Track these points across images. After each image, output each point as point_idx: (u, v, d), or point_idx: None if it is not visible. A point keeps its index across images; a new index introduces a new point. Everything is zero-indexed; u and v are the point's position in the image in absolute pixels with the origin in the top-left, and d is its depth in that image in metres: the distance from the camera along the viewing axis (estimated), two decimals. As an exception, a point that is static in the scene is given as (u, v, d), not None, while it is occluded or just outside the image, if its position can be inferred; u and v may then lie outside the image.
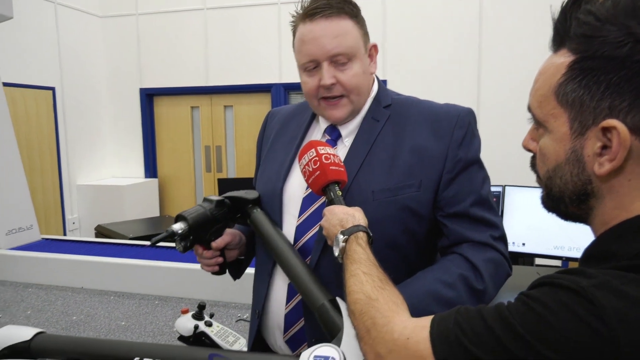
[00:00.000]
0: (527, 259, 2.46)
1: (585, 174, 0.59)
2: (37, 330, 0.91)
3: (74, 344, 0.87)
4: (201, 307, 1.51)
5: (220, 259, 1.08)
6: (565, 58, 0.59)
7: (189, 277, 2.05)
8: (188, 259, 2.18)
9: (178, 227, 0.97)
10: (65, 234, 5.54)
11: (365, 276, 0.74)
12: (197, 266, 2.01)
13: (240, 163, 5.72)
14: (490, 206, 0.99)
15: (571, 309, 0.50)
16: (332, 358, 0.70)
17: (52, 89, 5.47)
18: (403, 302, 0.71)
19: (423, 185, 0.96)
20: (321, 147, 0.94)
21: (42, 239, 2.68)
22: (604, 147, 0.56)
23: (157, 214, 5.93)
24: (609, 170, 0.56)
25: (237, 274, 1.20)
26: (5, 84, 2.68)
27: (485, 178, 1.01)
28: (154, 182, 6.08)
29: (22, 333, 0.90)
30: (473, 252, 0.93)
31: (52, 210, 5.49)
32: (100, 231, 3.29)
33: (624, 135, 0.54)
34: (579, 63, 0.57)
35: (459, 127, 0.98)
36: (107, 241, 2.70)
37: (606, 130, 0.55)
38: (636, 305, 0.49)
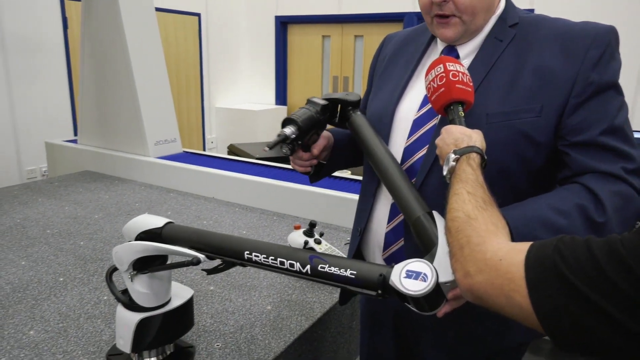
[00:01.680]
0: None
1: None
2: (167, 220, 1.05)
3: (197, 235, 0.98)
4: (312, 225, 1.60)
5: (314, 161, 1.11)
6: None
7: (305, 198, 2.16)
8: (305, 181, 2.29)
9: (289, 131, 0.98)
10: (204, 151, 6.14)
11: (468, 195, 0.70)
12: (313, 188, 2.12)
13: (366, 95, 5.70)
14: (625, 136, 0.85)
15: None
16: (424, 274, 0.69)
17: (198, 15, 5.84)
18: (505, 226, 0.67)
19: (544, 110, 0.87)
20: (450, 64, 0.89)
21: (184, 151, 3.00)
22: None
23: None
24: None
25: (316, 178, 1.22)
26: (157, 9, 2.91)
27: (622, 106, 0.87)
28: (283, 109, 6.35)
29: (156, 221, 1.04)
30: (597, 182, 0.82)
31: (195, 130, 6.07)
32: (232, 150, 3.58)
33: None
34: None
35: (595, 46, 0.85)
36: (237, 159, 2.93)
37: None
38: None
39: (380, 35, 1.21)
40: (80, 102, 3.07)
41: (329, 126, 1.14)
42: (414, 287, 0.69)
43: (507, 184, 0.90)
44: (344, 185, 2.26)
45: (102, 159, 2.92)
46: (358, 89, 5.80)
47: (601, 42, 0.86)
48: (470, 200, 0.69)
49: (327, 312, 1.39)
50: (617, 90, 0.87)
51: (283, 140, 0.99)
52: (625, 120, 0.87)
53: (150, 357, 1.11)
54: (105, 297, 1.42)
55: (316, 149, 1.09)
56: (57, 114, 4.51)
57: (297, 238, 1.57)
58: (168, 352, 1.13)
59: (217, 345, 1.20)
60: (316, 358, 1.38)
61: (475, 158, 0.77)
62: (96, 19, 2.81)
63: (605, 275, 0.47)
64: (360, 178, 1.23)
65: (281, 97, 6.43)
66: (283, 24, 6.21)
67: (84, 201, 2.35)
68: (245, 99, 6.70)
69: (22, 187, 2.56)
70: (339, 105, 1.11)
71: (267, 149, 0.97)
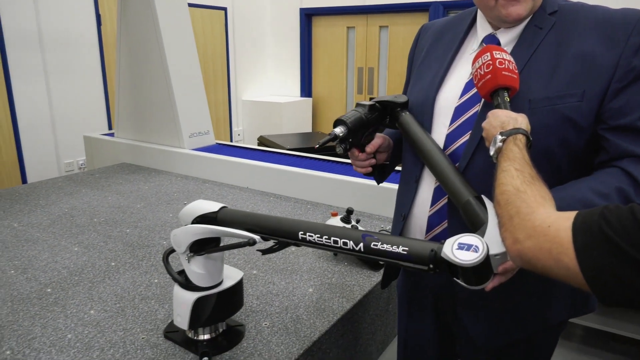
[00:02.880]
0: None
1: None
2: (221, 205, 1.12)
3: (251, 217, 1.05)
4: (349, 211, 1.65)
5: (373, 161, 1.17)
6: None
7: (338, 187, 2.21)
8: (338, 171, 2.34)
9: (339, 130, 1.06)
10: (231, 144, 6.26)
11: (516, 172, 0.76)
12: (346, 178, 2.17)
13: (392, 85, 5.69)
14: None
15: None
16: (476, 246, 0.74)
17: (225, 9, 5.93)
18: (551, 198, 0.72)
19: (586, 95, 0.90)
20: (497, 52, 0.93)
21: (216, 143, 3.08)
22: None
23: (309, 130, 6.30)
24: None
25: (381, 179, 1.28)
26: (187, 4, 2.99)
27: None
28: (308, 101, 6.40)
29: (211, 206, 1.11)
30: (636, 167, 0.85)
31: (222, 122, 6.17)
32: (262, 141, 3.65)
33: None
34: None
35: (636, 32, 0.88)
36: (268, 150, 3.00)
37: None
38: None
39: (405, 26, 1.25)
40: (117, 97, 3.18)
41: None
42: (466, 257, 0.74)
43: (549, 166, 0.94)
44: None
45: (139, 152, 3.03)
46: (383, 80, 5.80)
47: None
48: (518, 175, 0.74)
49: (366, 295, 1.44)
50: None
51: (333, 138, 1.06)
52: None
53: (204, 334, 1.18)
54: (156, 280, 1.51)
55: (370, 147, 1.15)
56: (92, 108, 4.66)
57: (334, 224, 1.63)
58: (221, 330, 1.21)
59: (265, 324, 1.27)
60: (356, 338, 1.44)
61: (521, 139, 0.82)
62: (132, 15, 2.90)
63: None
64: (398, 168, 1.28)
65: (306, 89, 6.48)
66: (307, 16, 6.24)
67: (125, 192, 2.45)
68: (271, 92, 6.77)
69: (65, 179, 2.68)
70: (389, 107, 1.16)
71: (317, 146, 1.04)
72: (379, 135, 1.17)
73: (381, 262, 1.14)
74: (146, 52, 2.89)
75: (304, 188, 2.33)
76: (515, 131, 0.83)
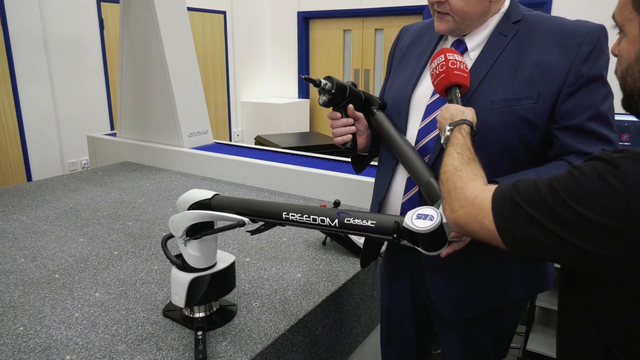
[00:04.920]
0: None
1: None
2: (214, 192, 1.24)
3: (241, 202, 1.17)
4: (336, 203, 1.77)
5: (353, 129, 1.24)
6: None
7: (328, 182, 2.33)
8: (329, 167, 2.46)
9: (324, 81, 1.17)
10: (231, 144, 6.38)
11: (457, 155, 0.89)
12: (336, 174, 2.29)
13: (387, 87, 5.82)
14: (607, 122, 1.00)
15: (600, 173, 0.60)
16: (431, 216, 0.87)
17: (224, 12, 6.05)
18: (483, 175, 0.84)
19: (541, 97, 1.02)
20: (450, 54, 1.05)
21: (215, 142, 3.20)
22: None
23: (307, 130, 6.42)
24: None
25: (360, 168, 1.40)
26: (187, 8, 3.12)
27: (608, 95, 1.02)
28: (305, 102, 6.52)
29: (204, 194, 1.23)
30: (579, 161, 0.97)
31: (222, 123, 6.29)
32: (259, 140, 3.77)
33: None
34: None
35: (586, 43, 1.00)
36: (264, 148, 3.12)
37: None
38: None
39: (400, 28, 1.38)
40: (120, 98, 3.30)
41: None
42: (423, 225, 0.86)
43: (509, 160, 1.06)
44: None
45: (141, 151, 3.15)
46: (379, 80, 5.93)
47: (592, 40, 1.00)
48: (457, 158, 0.88)
49: (350, 279, 1.56)
50: (604, 82, 1.02)
51: (317, 84, 1.16)
52: (609, 108, 1.02)
53: (199, 312, 1.30)
54: (156, 267, 1.63)
55: (350, 111, 1.23)
56: (95, 109, 4.79)
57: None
58: (214, 309, 1.32)
59: (256, 304, 1.39)
60: (342, 319, 1.55)
61: (465, 128, 0.95)
62: (134, 20, 3.03)
63: (544, 199, 0.64)
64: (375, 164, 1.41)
65: (304, 90, 6.61)
66: (305, 19, 6.37)
67: (128, 188, 2.57)
68: (269, 93, 6.90)
69: (70, 177, 2.81)
70: (368, 102, 1.28)
71: (303, 76, 1.18)
72: (365, 125, 1.28)
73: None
74: (147, 55, 3.01)
75: (297, 184, 2.45)
76: (462, 122, 0.96)
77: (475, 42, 1.13)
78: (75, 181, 2.70)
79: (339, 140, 1.25)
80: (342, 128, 1.23)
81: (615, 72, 0.74)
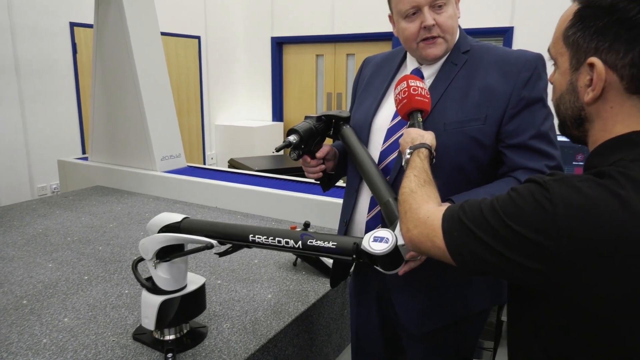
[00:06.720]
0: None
1: (579, 102, 0.73)
2: (184, 215, 1.27)
3: (210, 225, 1.20)
4: (306, 225, 1.81)
5: (323, 167, 1.34)
6: (574, 7, 0.72)
7: (299, 204, 2.37)
8: (300, 189, 2.51)
9: (292, 138, 1.23)
10: (205, 167, 6.39)
11: (414, 177, 0.95)
12: (307, 195, 2.33)
13: (360, 111, 5.95)
14: (549, 140, 1.09)
15: (533, 195, 0.66)
16: (387, 238, 0.92)
17: (198, 37, 6.12)
18: (437, 197, 0.90)
19: (488, 119, 1.10)
20: (412, 81, 1.13)
21: (187, 166, 3.21)
22: (592, 80, 0.69)
23: (281, 152, 6.48)
24: (592, 98, 0.70)
25: (327, 187, 1.46)
26: (161, 33, 3.17)
27: (548, 116, 1.11)
28: (279, 125, 6.59)
29: (174, 217, 1.26)
30: (525, 176, 1.04)
31: (195, 146, 6.30)
32: (232, 163, 3.81)
33: (600, 70, 0.67)
34: (581, 11, 0.70)
35: (525, 69, 1.09)
36: (237, 171, 3.15)
37: (591, 66, 0.68)
38: (581, 195, 0.63)
39: (370, 53, 1.46)
40: (92, 122, 3.30)
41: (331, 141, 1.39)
42: (379, 248, 0.91)
43: (462, 178, 1.14)
44: (332, 191, 2.47)
45: (113, 175, 3.14)
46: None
47: (530, 66, 1.10)
48: (414, 180, 0.94)
49: (320, 299, 1.59)
50: (544, 103, 1.11)
51: (287, 145, 1.23)
52: (550, 127, 1.11)
53: (170, 334, 1.31)
54: (126, 291, 1.63)
55: (320, 153, 1.32)
56: (66, 133, 4.74)
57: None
58: (185, 331, 1.34)
59: (226, 325, 1.41)
60: (312, 339, 1.58)
61: (424, 151, 1.02)
62: (107, 44, 3.06)
63: (486, 219, 0.70)
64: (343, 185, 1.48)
65: (278, 113, 6.69)
66: (279, 44, 6.49)
67: (99, 212, 2.56)
68: (244, 116, 6.95)
69: (39, 202, 2.78)
70: (333, 120, 1.35)
71: (274, 151, 1.23)
72: (325, 145, 1.36)
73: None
74: (120, 79, 3.03)
75: (269, 206, 2.48)
76: (421, 146, 1.03)
77: (431, 70, 1.22)
78: (44, 206, 2.67)
79: (311, 177, 1.37)
80: (313, 168, 1.34)
81: (552, 99, 0.82)
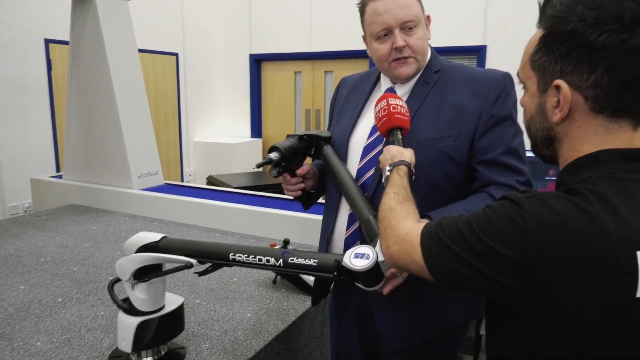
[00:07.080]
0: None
1: (548, 123, 0.76)
2: (162, 235, 1.25)
3: (189, 244, 1.19)
4: (286, 242, 1.81)
5: (302, 185, 1.36)
6: (539, 33, 0.75)
7: (279, 221, 2.37)
8: (279, 206, 2.50)
9: (273, 155, 1.24)
10: (183, 184, 6.32)
11: (393, 194, 0.96)
12: (286, 212, 2.33)
13: (338, 127, 6.01)
14: (519, 156, 1.13)
15: (507, 211, 0.68)
16: (368, 254, 0.93)
17: (176, 54, 6.11)
18: (416, 214, 0.92)
19: (460, 136, 1.14)
20: (392, 99, 1.15)
21: (165, 183, 3.18)
22: (559, 101, 0.72)
23: (260, 169, 6.46)
24: (560, 119, 0.73)
25: (308, 205, 1.47)
26: (139, 50, 3.15)
27: (517, 132, 1.15)
28: (258, 141, 6.59)
29: (152, 236, 1.24)
30: (497, 191, 1.09)
31: (173, 163, 6.24)
32: (211, 180, 3.78)
33: (566, 91, 0.70)
34: (545, 37, 0.73)
35: (494, 88, 1.14)
36: (216, 188, 3.13)
37: (557, 88, 0.72)
38: (552, 212, 0.65)
39: (349, 71, 1.49)
40: (66, 139, 3.24)
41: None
42: (360, 264, 0.92)
43: (438, 195, 1.16)
44: (311, 208, 2.48)
45: (88, 193, 3.08)
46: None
47: (498, 85, 1.15)
48: (393, 197, 0.95)
49: (300, 317, 1.59)
50: (513, 120, 1.15)
51: (268, 162, 1.24)
52: (519, 143, 1.14)
53: (147, 356, 1.28)
54: (102, 313, 1.59)
55: (300, 171, 1.34)
56: (40, 151, 4.65)
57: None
58: (163, 353, 1.31)
59: (205, 346, 1.38)
60: (293, 357, 1.57)
61: (403, 169, 1.03)
62: (83, 60, 3.03)
63: (463, 235, 0.72)
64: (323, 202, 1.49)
65: (256, 130, 6.69)
66: (257, 62, 6.52)
67: (73, 232, 2.51)
68: (222, 133, 6.93)
69: (10, 221, 2.70)
70: (315, 140, 1.36)
71: (255, 167, 1.24)
72: (307, 163, 1.37)
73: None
74: (96, 96, 3.00)
75: (248, 223, 2.47)
76: (400, 163, 1.05)
77: (404, 89, 1.25)
78: (16, 226, 2.60)
79: (290, 195, 1.38)
80: (293, 186, 1.35)
81: (523, 121, 0.85)
